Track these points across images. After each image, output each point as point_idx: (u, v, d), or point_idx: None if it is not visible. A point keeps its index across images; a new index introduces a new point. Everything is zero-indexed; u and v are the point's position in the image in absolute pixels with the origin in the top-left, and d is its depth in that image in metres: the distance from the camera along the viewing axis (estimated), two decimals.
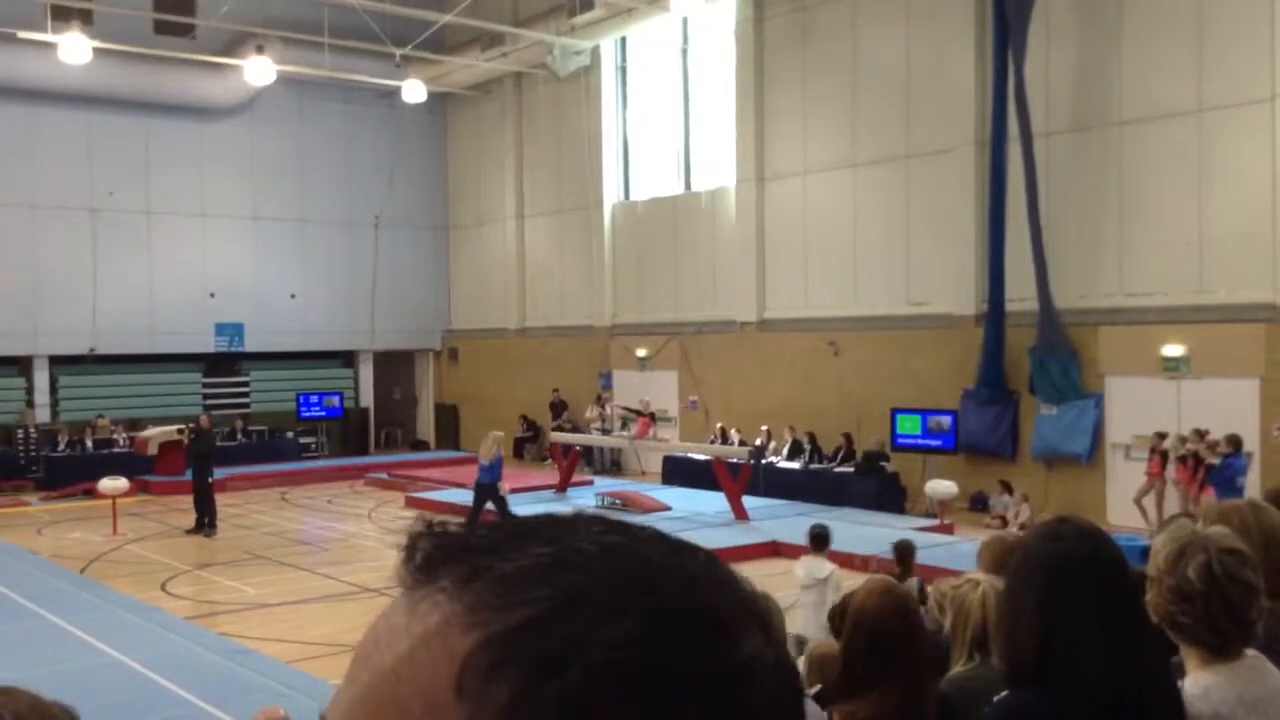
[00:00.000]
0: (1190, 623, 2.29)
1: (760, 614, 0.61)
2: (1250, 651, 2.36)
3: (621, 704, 0.54)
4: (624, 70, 27.13)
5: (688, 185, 25.60)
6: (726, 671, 0.57)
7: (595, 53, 26.66)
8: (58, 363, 26.68)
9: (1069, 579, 2.19)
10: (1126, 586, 2.23)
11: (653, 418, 24.17)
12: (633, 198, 26.87)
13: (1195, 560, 2.29)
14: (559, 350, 28.06)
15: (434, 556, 0.61)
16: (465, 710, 0.54)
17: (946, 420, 19.22)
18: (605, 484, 22.18)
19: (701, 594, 0.59)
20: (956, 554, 14.53)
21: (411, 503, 21.62)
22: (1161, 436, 16.69)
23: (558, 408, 27.63)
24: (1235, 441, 15.17)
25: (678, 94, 25.78)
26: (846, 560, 14.90)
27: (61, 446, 24.86)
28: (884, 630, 3.17)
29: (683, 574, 0.60)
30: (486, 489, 16.53)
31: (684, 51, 25.63)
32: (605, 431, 25.26)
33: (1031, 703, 2.23)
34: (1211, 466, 15.33)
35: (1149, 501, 16.70)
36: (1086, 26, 18.42)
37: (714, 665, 0.57)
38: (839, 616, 4.93)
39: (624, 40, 26.67)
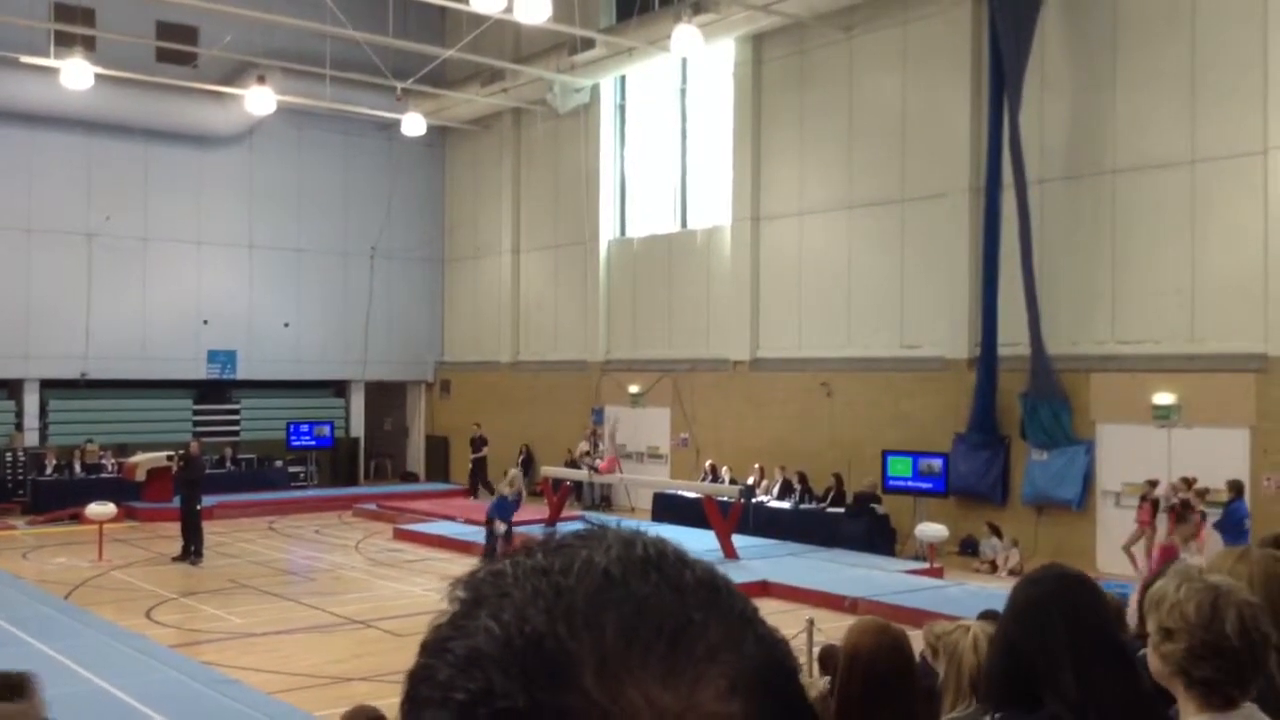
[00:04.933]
0: (1220, 678, 2.21)
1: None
2: (1244, 703, 2.36)
3: None
4: (623, 108, 27.32)
5: (684, 223, 25.72)
6: None
7: (595, 91, 26.85)
8: (48, 386, 26.61)
9: (1044, 615, 2.43)
10: (1101, 622, 2.46)
11: (594, 444, 24.60)
12: (628, 234, 26.98)
13: (1230, 614, 2.22)
14: (551, 385, 28.05)
15: None
16: None
17: (937, 463, 19.24)
18: (594, 520, 22.08)
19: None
20: (945, 598, 14.52)
21: (400, 534, 21.54)
22: (1152, 485, 16.70)
23: (476, 444, 27.44)
24: (1237, 487, 15.16)
25: (675, 133, 25.95)
26: (836, 601, 14.91)
27: (49, 470, 24.72)
28: (880, 669, 3.17)
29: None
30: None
31: (683, 91, 25.83)
32: (595, 468, 25.18)
33: None
34: (1204, 514, 15.33)
35: (1138, 549, 16.69)
36: (1081, 77, 18.61)
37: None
38: (831, 657, 4.92)
39: (623, 79, 26.87)
